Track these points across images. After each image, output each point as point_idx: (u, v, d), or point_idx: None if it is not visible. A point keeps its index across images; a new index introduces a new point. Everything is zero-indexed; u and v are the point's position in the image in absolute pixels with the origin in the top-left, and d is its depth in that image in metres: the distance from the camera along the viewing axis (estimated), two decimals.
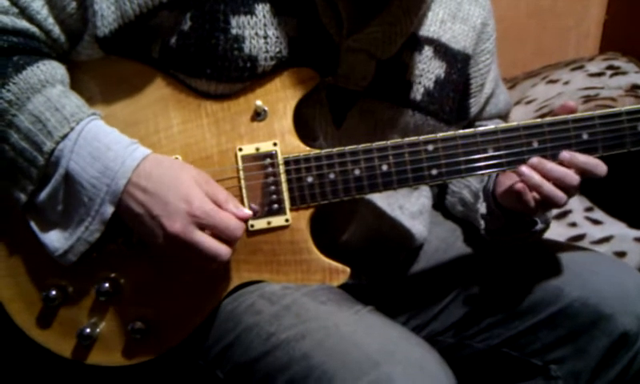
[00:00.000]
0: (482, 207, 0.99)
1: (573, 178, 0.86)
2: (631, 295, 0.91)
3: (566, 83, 1.79)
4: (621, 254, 1.27)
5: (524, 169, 0.85)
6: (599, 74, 1.78)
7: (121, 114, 0.87)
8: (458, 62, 1.00)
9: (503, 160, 0.87)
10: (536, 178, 0.85)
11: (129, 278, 0.88)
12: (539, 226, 0.96)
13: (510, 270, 0.98)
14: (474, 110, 1.07)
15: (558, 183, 0.85)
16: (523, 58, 2.15)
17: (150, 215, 0.79)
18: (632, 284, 0.92)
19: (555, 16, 2.19)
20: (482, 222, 0.99)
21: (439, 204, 1.13)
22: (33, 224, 0.84)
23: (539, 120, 0.88)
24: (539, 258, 0.98)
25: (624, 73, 1.77)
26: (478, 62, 1.05)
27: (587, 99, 1.64)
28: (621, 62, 1.84)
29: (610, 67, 1.81)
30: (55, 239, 0.83)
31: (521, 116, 1.71)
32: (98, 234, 0.82)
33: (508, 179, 0.93)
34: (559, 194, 0.85)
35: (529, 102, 1.78)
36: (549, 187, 0.85)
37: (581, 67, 1.86)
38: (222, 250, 0.80)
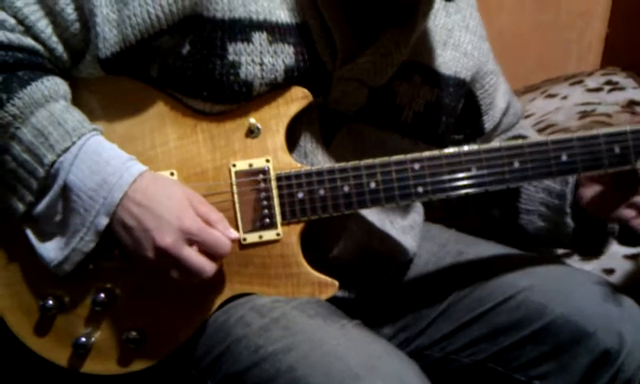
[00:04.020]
0: (571, 221, 1.01)
1: None
2: (613, 313, 0.93)
3: (565, 98, 1.79)
4: (609, 271, 1.29)
5: None
6: (597, 90, 1.78)
7: (119, 129, 0.90)
8: (450, 87, 1.02)
9: (485, 179, 0.90)
10: None
11: (124, 289, 0.91)
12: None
13: (497, 286, 1.00)
14: (488, 125, 1.11)
15: None
16: (525, 71, 2.15)
17: (142, 228, 0.81)
18: (614, 302, 0.94)
19: (557, 30, 2.20)
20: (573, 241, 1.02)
21: (511, 226, 1.12)
22: (30, 234, 0.86)
23: (520, 141, 0.91)
24: (525, 274, 1.00)
25: (622, 88, 1.77)
26: (483, 84, 1.08)
27: (583, 115, 1.65)
28: (620, 77, 1.84)
29: (609, 82, 1.81)
30: (51, 249, 0.85)
31: None
32: (93, 244, 0.83)
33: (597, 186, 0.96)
34: None
35: (527, 117, 1.78)
36: None
37: (580, 82, 1.86)
38: (207, 266, 0.82)
